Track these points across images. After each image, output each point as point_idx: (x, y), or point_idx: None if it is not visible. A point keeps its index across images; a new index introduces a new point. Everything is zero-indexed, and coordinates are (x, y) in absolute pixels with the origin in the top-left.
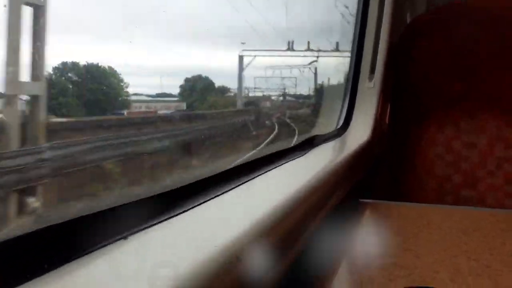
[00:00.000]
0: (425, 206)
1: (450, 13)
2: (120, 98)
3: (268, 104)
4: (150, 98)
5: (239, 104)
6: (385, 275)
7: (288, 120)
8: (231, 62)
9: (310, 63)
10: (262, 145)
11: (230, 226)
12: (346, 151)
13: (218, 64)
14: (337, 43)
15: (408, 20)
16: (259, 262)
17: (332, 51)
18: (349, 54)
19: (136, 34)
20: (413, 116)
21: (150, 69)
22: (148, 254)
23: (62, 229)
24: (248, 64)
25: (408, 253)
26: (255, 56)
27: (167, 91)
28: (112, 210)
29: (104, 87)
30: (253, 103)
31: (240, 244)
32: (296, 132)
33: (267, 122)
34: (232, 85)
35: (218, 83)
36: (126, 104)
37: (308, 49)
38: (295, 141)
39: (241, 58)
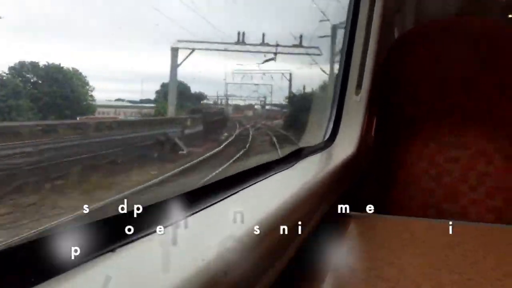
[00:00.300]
0: (409, 219)
1: (438, 29)
2: (85, 103)
3: (250, 113)
4: (130, 104)
5: (171, 111)
6: None
7: (252, 133)
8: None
9: (264, 62)
10: (161, 178)
11: (217, 240)
12: (333, 163)
13: (210, 72)
14: (301, 36)
15: (396, 35)
16: (246, 276)
17: (294, 46)
18: (315, 50)
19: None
20: (399, 130)
21: (136, 75)
22: (135, 268)
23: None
24: (185, 58)
25: (392, 266)
26: (193, 49)
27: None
28: (98, 222)
29: (64, 90)
30: (200, 111)
31: (227, 258)
32: (243, 151)
33: (225, 134)
34: (212, 92)
35: (197, 89)
36: (92, 109)
37: (263, 43)
38: (215, 173)
39: (175, 51)
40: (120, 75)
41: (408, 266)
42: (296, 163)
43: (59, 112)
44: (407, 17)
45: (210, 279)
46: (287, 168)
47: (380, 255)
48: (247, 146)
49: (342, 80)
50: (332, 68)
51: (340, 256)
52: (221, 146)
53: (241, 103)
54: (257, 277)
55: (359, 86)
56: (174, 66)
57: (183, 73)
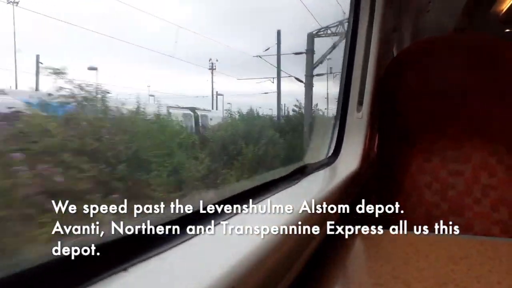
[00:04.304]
0: (414, 233)
1: (435, 45)
2: None
3: None
4: None
5: None
6: None
7: None
8: None
9: None
10: None
11: (226, 256)
12: (337, 179)
13: None
14: None
15: (395, 53)
16: None
17: None
18: None
19: None
20: (401, 145)
21: None
22: (147, 285)
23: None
24: None
25: (398, 280)
26: None
27: None
28: (113, 243)
29: None
30: None
31: (235, 273)
32: None
33: None
34: None
35: None
36: None
37: None
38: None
39: None
40: None
41: (413, 280)
42: (300, 180)
43: None
44: (405, 35)
45: None
46: (293, 185)
47: (385, 270)
48: None
49: (343, 98)
50: None
51: (346, 271)
52: None
53: None
54: None
55: (360, 103)
56: None
57: None
